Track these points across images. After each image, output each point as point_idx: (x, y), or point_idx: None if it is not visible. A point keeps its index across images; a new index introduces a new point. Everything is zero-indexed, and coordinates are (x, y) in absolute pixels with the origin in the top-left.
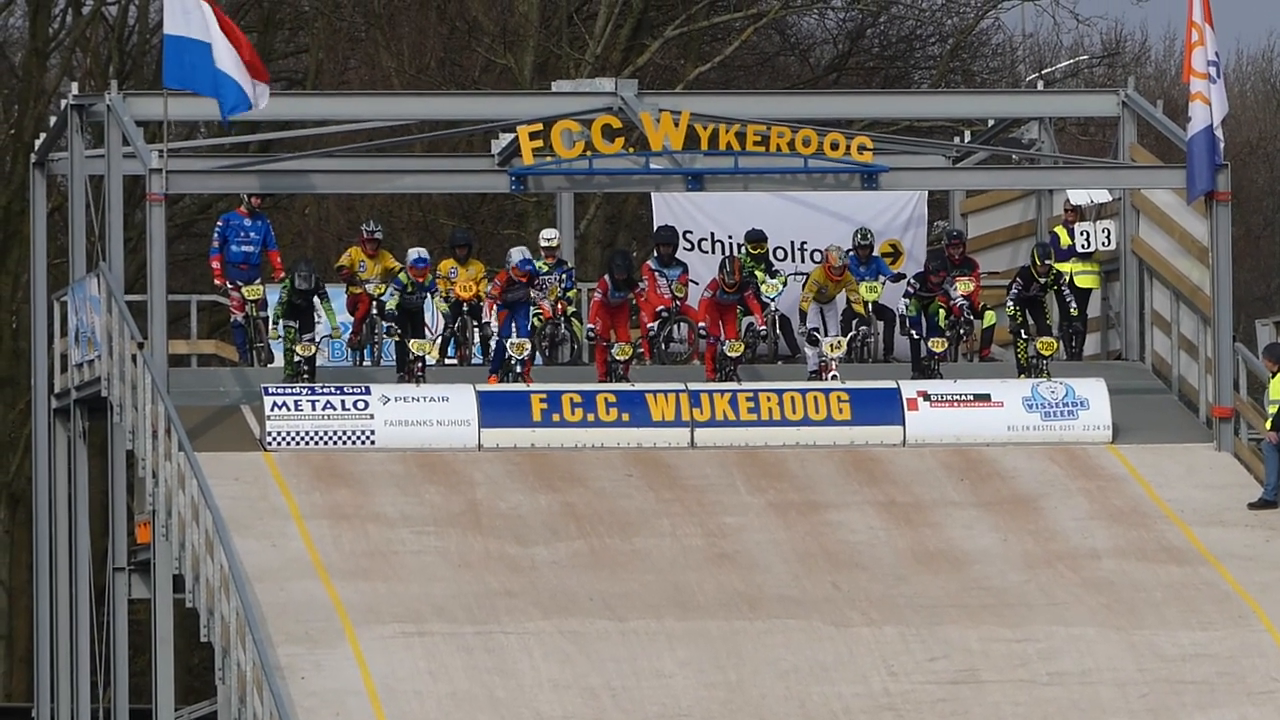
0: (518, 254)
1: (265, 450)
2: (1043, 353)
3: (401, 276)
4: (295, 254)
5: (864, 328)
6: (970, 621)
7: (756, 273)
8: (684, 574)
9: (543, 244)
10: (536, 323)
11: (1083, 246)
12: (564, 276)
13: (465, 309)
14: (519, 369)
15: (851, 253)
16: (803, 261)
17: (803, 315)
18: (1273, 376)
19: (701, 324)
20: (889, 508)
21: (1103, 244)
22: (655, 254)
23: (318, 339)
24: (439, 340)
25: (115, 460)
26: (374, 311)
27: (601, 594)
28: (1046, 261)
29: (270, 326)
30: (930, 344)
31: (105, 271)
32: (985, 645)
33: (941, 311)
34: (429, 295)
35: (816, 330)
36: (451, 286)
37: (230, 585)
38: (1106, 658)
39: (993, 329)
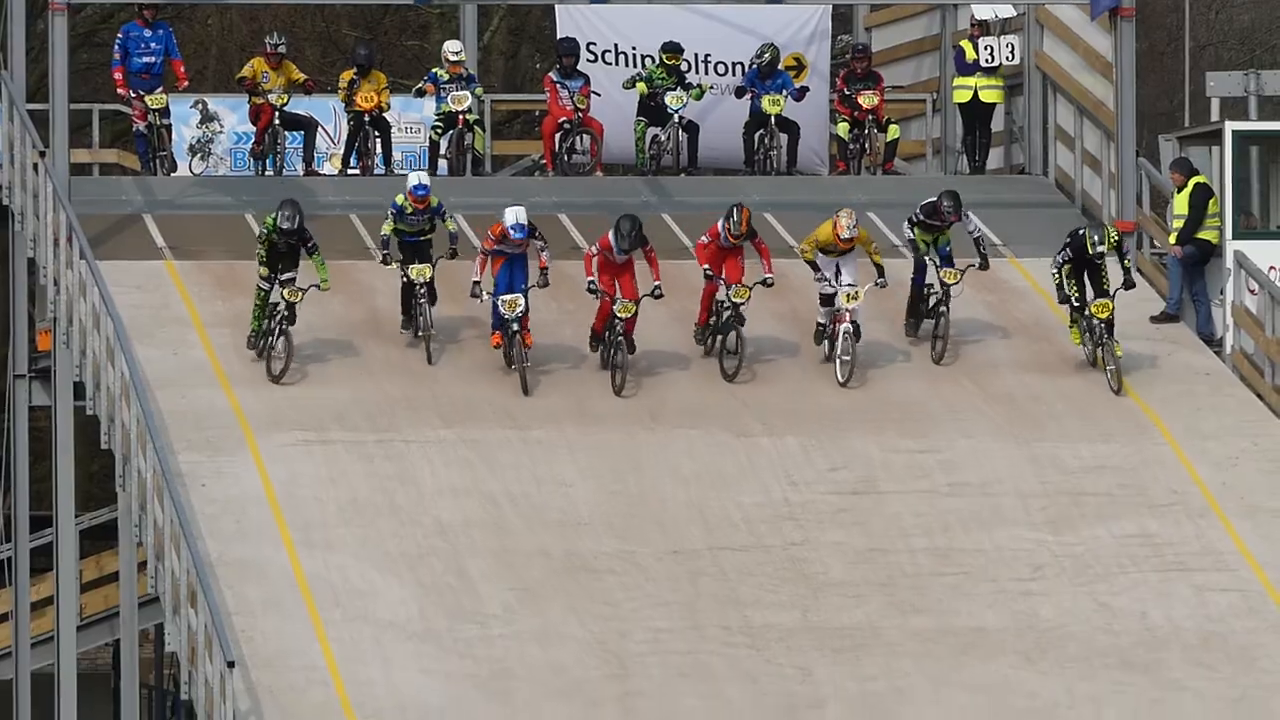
0: (512, 216)
1: (167, 259)
2: (1098, 315)
3: (399, 199)
4: (199, 64)
5: (882, 280)
6: (871, 432)
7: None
8: (585, 383)
9: (450, 58)
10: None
11: (987, 61)
12: (465, 83)
13: (367, 119)
14: (516, 327)
15: (754, 65)
16: (706, 73)
17: (812, 265)
18: (1178, 191)
19: (706, 266)
20: (792, 318)
21: (1006, 58)
22: (557, 65)
23: (304, 287)
24: (341, 152)
25: (16, 268)
26: (276, 121)
27: (503, 403)
28: (1100, 248)
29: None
30: (942, 274)
31: (7, 80)
32: (886, 456)
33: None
34: (438, 221)
35: (828, 281)
36: (353, 97)
37: (131, 392)
38: (1007, 469)
39: (896, 143)
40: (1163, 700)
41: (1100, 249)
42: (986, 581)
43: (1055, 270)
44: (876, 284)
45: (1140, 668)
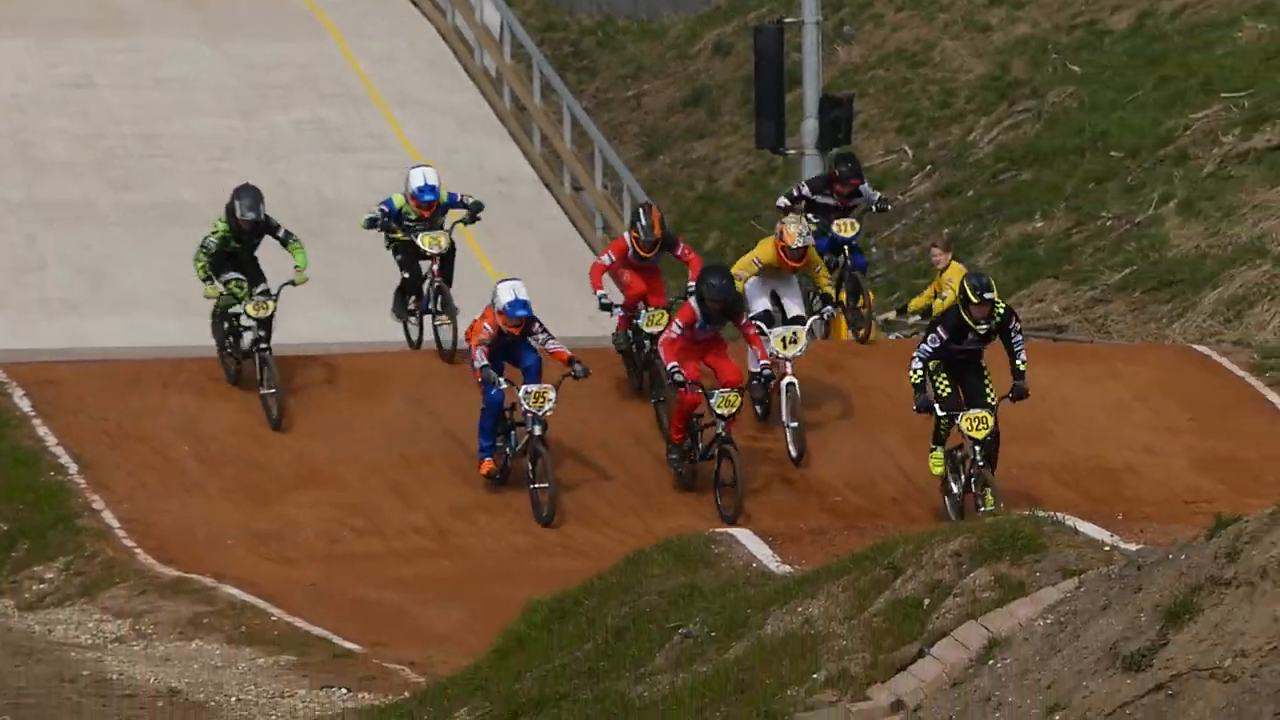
0: (507, 293)
1: None
2: (972, 434)
3: (398, 200)
4: None
5: (829, 308)
6: (89, 35)
7: None
8: None
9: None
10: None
11: None
12: None
13: None
14: (540, 430)
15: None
16: None
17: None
18: None
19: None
20: None
21: None
22: None
23: (275, 291)
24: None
25: None
26: None
27: None
28: (988, 296)
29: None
30: (836, 226)
31: None
32: (100, 56)
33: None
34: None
35: (767, 313)
36: None
37: None
38: (204, 66)
39: None
40: (338, 263)
41: (989, 296)
42: (186, 162)
43: (919, 364)
44: (823, 316)
45: (316, 233)
